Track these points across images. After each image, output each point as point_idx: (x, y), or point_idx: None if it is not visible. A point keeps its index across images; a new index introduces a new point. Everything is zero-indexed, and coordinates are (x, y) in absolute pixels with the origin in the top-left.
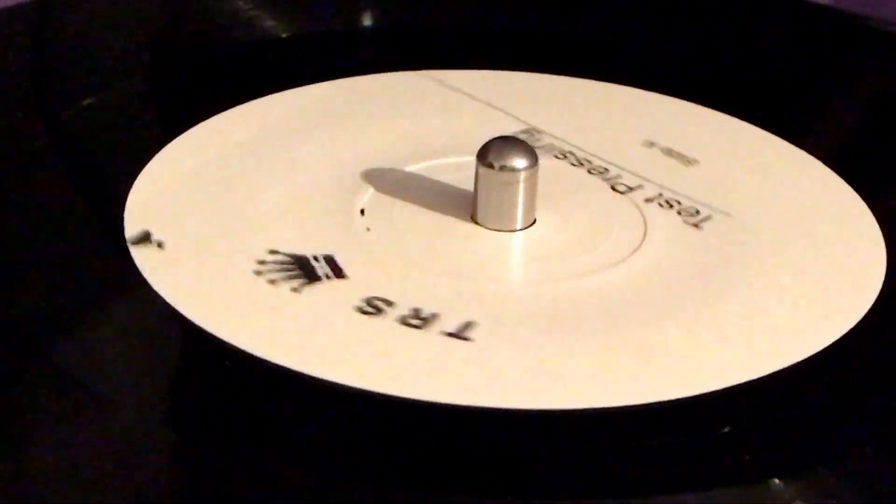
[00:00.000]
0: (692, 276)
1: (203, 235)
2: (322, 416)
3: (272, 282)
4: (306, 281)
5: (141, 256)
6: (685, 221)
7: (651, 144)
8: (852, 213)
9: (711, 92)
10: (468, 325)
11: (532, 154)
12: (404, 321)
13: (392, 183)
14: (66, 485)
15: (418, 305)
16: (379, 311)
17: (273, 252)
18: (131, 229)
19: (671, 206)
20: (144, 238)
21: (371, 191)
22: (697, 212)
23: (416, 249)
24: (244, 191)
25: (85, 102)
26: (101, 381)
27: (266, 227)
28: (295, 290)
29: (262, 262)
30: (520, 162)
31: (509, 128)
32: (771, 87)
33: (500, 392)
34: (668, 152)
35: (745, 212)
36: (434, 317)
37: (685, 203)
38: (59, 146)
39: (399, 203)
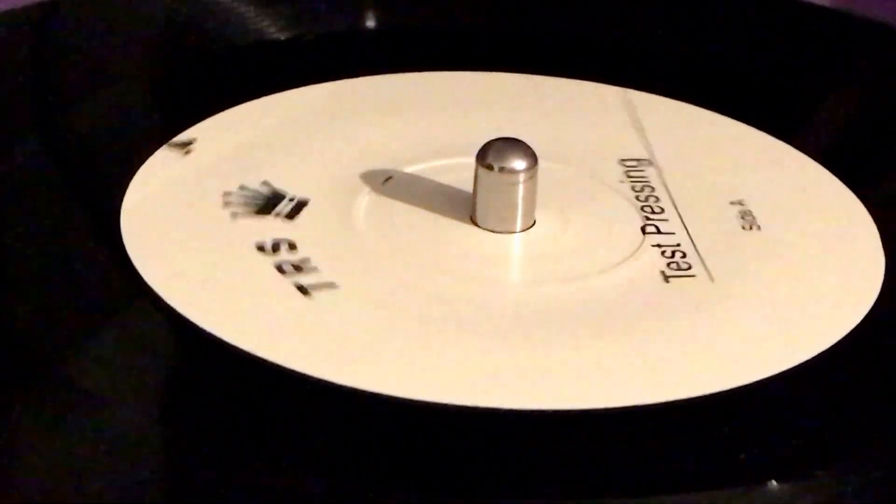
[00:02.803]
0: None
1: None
2: (319, 415)
3: (234, 215)
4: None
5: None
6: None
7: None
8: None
9: (708, 93)
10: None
11: (532, 155)
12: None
13: (391, 184)
14: (68, 484)
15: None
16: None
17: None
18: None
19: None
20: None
21: (370, 192)
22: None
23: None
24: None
25: (84, 103)
26: (99, 383)
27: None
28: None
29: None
30: (519, 163)
31: (509, 129)
32: (767, 87)
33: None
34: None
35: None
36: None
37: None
38: (57, 146)
39: (398, 204)
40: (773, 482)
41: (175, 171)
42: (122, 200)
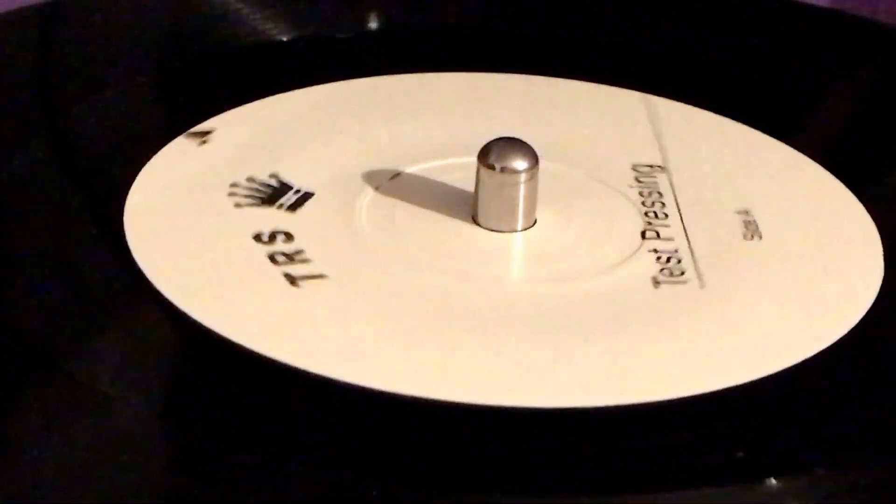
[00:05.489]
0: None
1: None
2: (319, 412)
3: (237, 205)
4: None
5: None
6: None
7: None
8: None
9: (708, 94)
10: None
11: (533, 155)
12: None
13: (393, 184)
14: (70, 480)
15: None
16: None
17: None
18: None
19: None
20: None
21: (372, 192)
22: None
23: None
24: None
25: (86, 102)
26: (102, 379)
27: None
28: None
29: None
30: (521, 163)
31: (511, 129)
32: (767, 88)
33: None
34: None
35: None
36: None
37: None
38: (60, 145)
39: (400, 204)
40: (773, 481)
41: (183, 165)
42: (124, 198)
